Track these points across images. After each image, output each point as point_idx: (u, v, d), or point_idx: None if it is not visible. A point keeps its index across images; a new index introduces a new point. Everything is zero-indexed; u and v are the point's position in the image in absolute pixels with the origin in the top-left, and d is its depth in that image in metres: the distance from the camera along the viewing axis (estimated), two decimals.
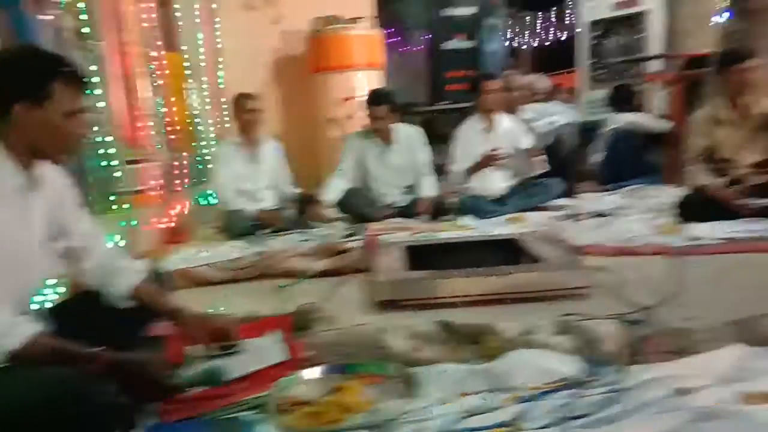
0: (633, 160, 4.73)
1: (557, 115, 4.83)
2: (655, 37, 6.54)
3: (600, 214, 3.54)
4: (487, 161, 3.89)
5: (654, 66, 6.26)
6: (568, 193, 4.15)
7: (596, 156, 4.99)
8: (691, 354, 1.53)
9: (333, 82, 5.39)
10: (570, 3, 9.30)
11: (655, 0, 6.54)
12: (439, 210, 3.90)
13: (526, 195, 3.99)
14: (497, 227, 3.47)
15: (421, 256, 2.63)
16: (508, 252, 2.68)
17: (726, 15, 4.29)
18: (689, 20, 6.28)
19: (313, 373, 1.58)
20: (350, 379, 1.53)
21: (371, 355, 1.67)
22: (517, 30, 13.87)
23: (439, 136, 4.49)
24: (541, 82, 5.41)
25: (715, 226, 2.91)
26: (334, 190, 3.96)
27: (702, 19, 6.23)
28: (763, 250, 2.59)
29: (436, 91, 7.12)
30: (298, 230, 3.63)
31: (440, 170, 4.18)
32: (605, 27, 6.96)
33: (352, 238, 3.26)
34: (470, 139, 4.04)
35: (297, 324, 1.93)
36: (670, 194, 3.68)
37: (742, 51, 3.29)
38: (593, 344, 1.59)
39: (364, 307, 2.18)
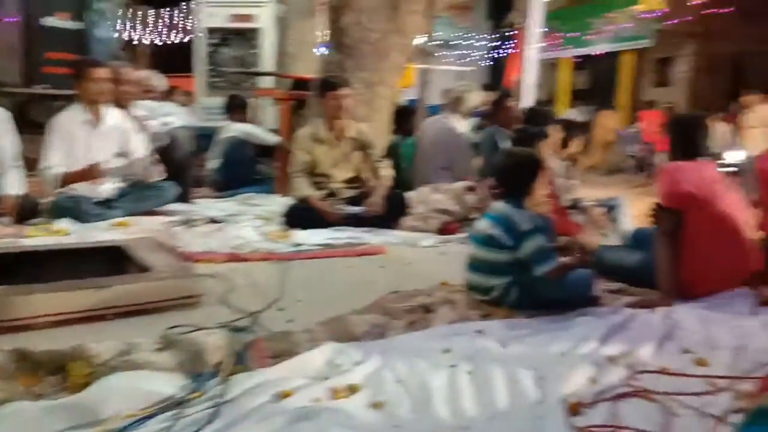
0: (246, 169, 4.93)
1: (172, 116, 4.66)
2: (267, 54, 7.00)
3: (214, 221, 3.54)
4: (89, 175, 3.45)
5: (265, 82, 6.69)
6: (183, 198, 4.03)
7: (212, 162, 5.01)
8: (291, 356, 1.60)
9: None
10: (192, 6, 9.21)
11: (268, 21, 6.99)
12: (26, 211, 3.30)
13: (137, 198, 3.69)
14: (100, 233, 3.11)
15: None
16: (111, 261, 2.44)
17: (325, 47, 4.86)
18: (296, 45, 6.96)
19: None
20: None
21: None
22: (135, 23, 13.13)
23: (32, 124, 3.82)
24: (157, 79, 5.14)
25: (314, 233, 3.25)
26: None
27: (307, 45, 6.99)
28: (351, 254, 2.99)
29: (32, 72, 6.13)
30: None
31: (31, 164, 3.52)
32: (222, 36, 7.10)
33: None
34: (71, 132, 3.51)
35: None
36: (278, 203, 3.94)
37: (337, 80, 3.76)
38: (198, 357, 1.52)
39: None
